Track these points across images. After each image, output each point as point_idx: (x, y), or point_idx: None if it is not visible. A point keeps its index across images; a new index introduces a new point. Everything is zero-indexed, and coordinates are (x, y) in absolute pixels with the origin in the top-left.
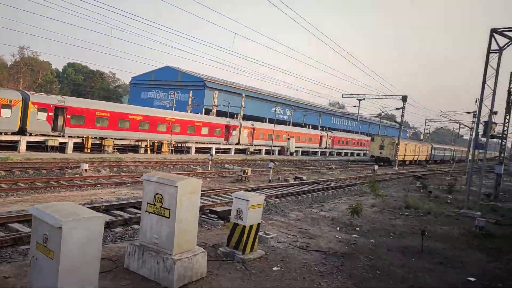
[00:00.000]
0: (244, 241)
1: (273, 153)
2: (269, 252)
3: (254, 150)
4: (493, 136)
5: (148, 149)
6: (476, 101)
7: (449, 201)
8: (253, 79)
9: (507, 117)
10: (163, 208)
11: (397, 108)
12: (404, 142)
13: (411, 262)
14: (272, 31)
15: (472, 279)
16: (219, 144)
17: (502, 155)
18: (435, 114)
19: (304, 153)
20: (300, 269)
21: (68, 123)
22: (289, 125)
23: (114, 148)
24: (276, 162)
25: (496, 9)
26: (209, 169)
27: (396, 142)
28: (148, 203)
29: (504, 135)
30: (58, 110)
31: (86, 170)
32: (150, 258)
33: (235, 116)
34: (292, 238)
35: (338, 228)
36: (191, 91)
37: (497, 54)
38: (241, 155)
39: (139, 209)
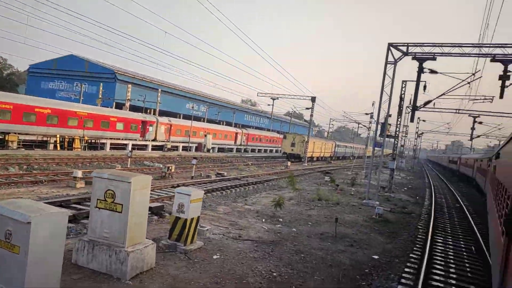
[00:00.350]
0: (186, 233)
1: (190, 150)
2: (207, 243)
3: (172, 146)
4: (388, 136)
5: (58, 145)
6: (373, 103)
7: (352, 193)
8: (181, 77)
9: (399, 119)
10: (115, 203)
11: (307, 108)
12: (313, 140)
13: (328, 246)
14: (196, 29)
15: (376, 257)
16: (135, 140)
17: (395, 152)
18: (338, 114)
19: (220, 149)
20: (237, 256)
21: None
22: (203, 121)
23: (19, 144)
24: (196, 158)
25: (394, 27)
26: (129, 166)
27: (306, 139)
28: (98, 199)
29: (396, 135)
30: None
31: None
32: (101, 252)
33: (148, 111)
34: (225, 230)
35: (263, 220)
36: (101, 84)
37: (393, 65)
38: (159, 151)
39: (65, 207)
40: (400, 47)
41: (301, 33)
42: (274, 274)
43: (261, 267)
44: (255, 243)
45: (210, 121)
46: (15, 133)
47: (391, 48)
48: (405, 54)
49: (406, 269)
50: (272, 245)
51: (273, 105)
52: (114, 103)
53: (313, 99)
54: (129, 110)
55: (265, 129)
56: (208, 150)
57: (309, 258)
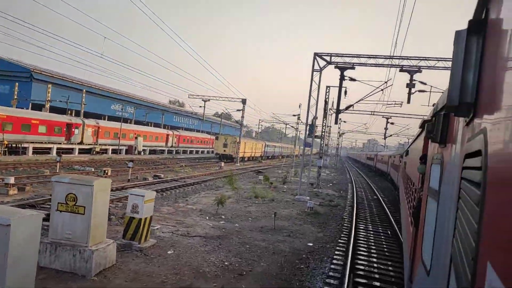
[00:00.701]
0: (140, 232)
1: (120, 152)
2: (159, 241)
3: (101, 149)
4: (316, 136)
5: None
6: (299, 105)
7: (285, 190)
8: (114, 80)
9: (325, 121)
10: (77, 206)
11: (238, 110)
12: (244, 140)
13: (268, 237)
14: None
15: (310, 244)
16: (60, 143)
17: (322, 151)
18: (267, 115)
19: (152, 151)
20: (190, 251)
21: None
22: (130, 123)
23: None
24: (127, 162)
25: (320, 38)
26: (58, 171)
27: (238, 140)
28: (59, 202)
29: (322, 135)
30: None
31: None
32: (64, 252)
33: (69, 112)
34: (173, 228)
35: (207, 218)
36: (17, 83)
37: (319, 72)
38: (86, 155)
39: None
40: (325, 57)
41: (234, 36)
42: (226, 263)
43: (213, 258)
44: (203, 239)
45: (137, 122)
46: None
47: (316, 57)
48: (329, 63)
49: (337, 252)
50: (219, 239)
51: (204, 106)
52: (31, 104)
53: (243, 101)
54: (49, 112)
55: (195, 130)
56: (139, 153)
57: (254, 249)
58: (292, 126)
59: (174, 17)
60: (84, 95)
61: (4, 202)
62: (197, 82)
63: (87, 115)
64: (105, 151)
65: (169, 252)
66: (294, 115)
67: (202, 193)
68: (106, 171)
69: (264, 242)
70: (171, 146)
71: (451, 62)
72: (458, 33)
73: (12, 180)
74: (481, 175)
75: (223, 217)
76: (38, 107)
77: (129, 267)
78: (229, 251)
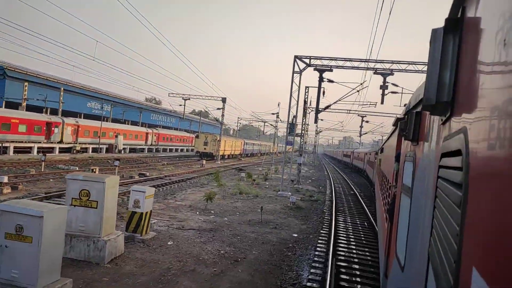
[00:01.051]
0: (142, 225)
1: (100, 151)
2: (157, 233)
3: (81, 148)
4: (296, 135)
5: None
6: (278, 104)
7: (267, 186)
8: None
9: (304, 120)
10: (90, 200)
11: (218, 108)
12: (224, 138)
13: (257, 229)
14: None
15: (295, 235)
16: (40, 142)
17: (302, 149)
18: (246, 114)
19: (132, 150)
20: (187, 242)
21: None
22: (107, 121)
23: None
24: (111, 160)
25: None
26: (43, 170)
27: (218, 138)
28: (73, 198)
29: (302, 133)
30: None
31: None
32: (79, 243)
33: (44, 110)
34: (168, 223)
35: (197, 213)
36: None
37: (299, 74)
38: (67, 154)
39: None
40: (304, 59)
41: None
42: (222, 252)
43: (209, 248)
44: (197, 231)
45: (114, 120)
46: None
47: (297, 59)
48: (308, 65)
49: (319, 241)
50: (212, 231)
51: (184, 105)
52: (4, 102)
53: (224, 100)
54: (25, 110)
55: (173, 128)
56: (120, 151)
57: (245, 239)
58: (271, 124)
59: (153, 14)
60: (62, 93)
61: (1, 200)
62: (177, 81)
63: (63, 113)
64: (85, 150)
65: (169, 243)
66: (273, 114)
67: (188, 190)
68: (94, 170)
69: (254, 234)
70: (151, 145)
71: (427, 62)
72: (434, 32)
73: (5, 179)
74: (462, 176)
75: (212, 212)
76: (12, 105)
77: (136, 255)
78: (222, 242)
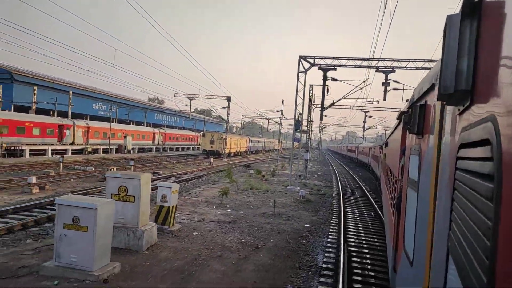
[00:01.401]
0: (169, 218)
1: (111, 152)
2: (182, 225)
3: (92, 149)
4: (303, 132)
5: None
6: (282, 101)
7: (275, 182)
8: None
9: (309, 116)
10: (127, 195)
11: (223, 107)
12: (230, 136)
13: (271, 220)
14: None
15: (307, 225)
16: (53, 145)
17: (308, 145)
18: (250, 111)
19: (140, 150)
20: (210, 232)
21: None
22: (113, 122)
23: None
24: (121, 161)
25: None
26: (61, 171)
27: (224, 137)
28: (112, 193)
29: (308, 130)
30: None
31: None
32: (120, 233)
33: (51, 113)
34: (189, 216)
35: (214, 207)
36: (1, 85)
37: (304, 74)
38: (80, 155)
39: (39, 209)
40: (308, 59)
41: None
42: (243, 240)
43: (231, 237)
44: (217, 223)
45: (120, 121)
46: None
47: (301, 60)
48: (313, 65)
49: (331, 230)
50: (231, 223)
51: (190, 105)
52: (13, 106)
53: (228, 99)
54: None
55: (177, 127)
56: (129, 151)
57: (262, 230)
58: (276, 122)
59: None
60: (71, 96)
61: (32, 199)
62: (182, 80)
63: (66, 115)
64: (96, 151)
65: (194, 234)
66: (277, 111)
67: (201, 187)
68: (111, 170)
69: (269, 225)
70: (158, 144)
71: (426, 59)
72: (449, 18)
73: (34, 179)
74: (492, 166)
75: (228, 206)
76: (21, 108)
77: (168, 244)
78: (242, 232)
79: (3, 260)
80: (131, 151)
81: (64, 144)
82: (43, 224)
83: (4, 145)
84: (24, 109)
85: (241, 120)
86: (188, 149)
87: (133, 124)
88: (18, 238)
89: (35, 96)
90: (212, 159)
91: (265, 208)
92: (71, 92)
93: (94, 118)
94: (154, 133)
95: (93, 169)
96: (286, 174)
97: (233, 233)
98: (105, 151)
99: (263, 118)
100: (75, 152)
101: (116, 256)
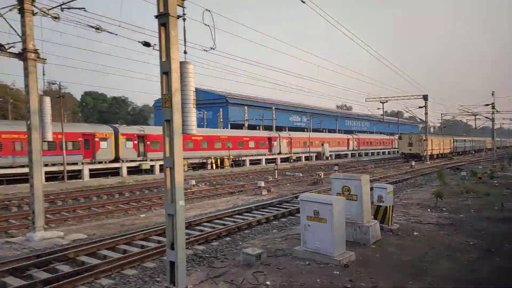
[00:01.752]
0: (388, 217)
1: (310, 159)
2: (400, 225)
3: (296, 157)
4: None
5: (213, 164)
6: (492, 93)
7: (496, 184)
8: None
9: None
10: (351, 194)
11: (420, 107)
12: (430, 137)
13: (500, 225)
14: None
15: None
16: (265, 155)
17: None
18: (449, 108)
19: (337, 156)
20: (431, 233)
21: (148, 149)
22: (307, 131)
23: (189, 166)
24: (322, 167)
25: None
26: (277, 177)
27: (424, 138)
28: (337, 193)
29: None
30: (140, 138)
31: (193, 185)
32: (347, 227)
33: (258, 128)
34: (404, 218)
35: (428, 210)
36: (221, 109)
37: None
38: (286, 163)
39: (270, 205)
40: None
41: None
42: (470, 242)
43: (456, 239)
44: (436, 226)
45: (314, 130)
46: (185, 158)
47: None
48: None
49: None
50: (452, 226)
51: (383, 108)
52: (229, 124)
53: (425, 97)
54: (247, 129)
55: (367, 131)
56: (327, 158)
57: (491, 234)
58: (486, 117)
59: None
60: (274, 112)
61: (264, 199)
62: (373, 84)
63: (268, 128)
64: (299, 159)
65: (415, 233)
66: (486, 105)
67: (408, 190)
68: (319, 175)
69: (497, 229)
70: (352, 150)
71: None
72: None
73: (262, 184)
74: None
75: (444, 209)
76: (235, 126)
77: (391, 241)
78: (467, 235)
79: (263, 243)
80: (329, 158)
81: (273, 154)
82: (280, 219)
83: (231, 157)
84: (238, 126)
85: (441, 119)
86: (383, 153)
87: (325, 132)
88: (266, 228)
89: (246, 114)
90: (413, 162)
91: (488, 212)
92: (273, 108)
93: (291, 129)
94: (348, 139)
95: (301, 175)
96: (508, 176)
97: (456, 235)
98: (306, 158)
99: (469, 114)
100: (282, 160)
101: (347, 247)
